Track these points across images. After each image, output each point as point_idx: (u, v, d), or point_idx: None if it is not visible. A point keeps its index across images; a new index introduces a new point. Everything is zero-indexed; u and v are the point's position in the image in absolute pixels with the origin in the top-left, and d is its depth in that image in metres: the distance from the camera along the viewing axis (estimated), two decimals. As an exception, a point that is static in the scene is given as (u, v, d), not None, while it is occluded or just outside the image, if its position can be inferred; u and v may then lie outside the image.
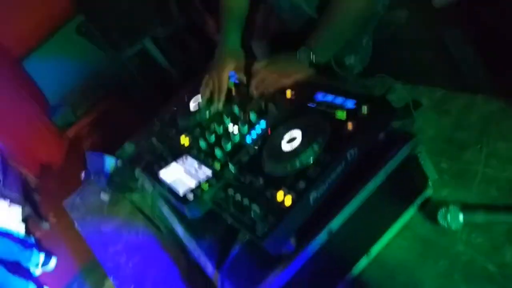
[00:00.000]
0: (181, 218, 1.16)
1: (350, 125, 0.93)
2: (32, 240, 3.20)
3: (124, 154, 1.90)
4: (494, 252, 0.86)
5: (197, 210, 1.04)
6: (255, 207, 0.91)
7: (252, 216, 0.90)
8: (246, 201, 0.94)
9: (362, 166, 0.92)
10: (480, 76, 1.54)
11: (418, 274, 0.90)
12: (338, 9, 1.22)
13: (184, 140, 1.27)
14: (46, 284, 3.04)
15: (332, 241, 0.91)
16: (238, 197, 0.96)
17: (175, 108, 1.45)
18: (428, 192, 1.00)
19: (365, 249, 0.96)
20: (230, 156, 1.10)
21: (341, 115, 0.98)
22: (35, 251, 3.04)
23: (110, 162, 1.73)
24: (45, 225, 3.40)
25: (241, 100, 1.26)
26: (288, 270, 0.88)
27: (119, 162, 1.65)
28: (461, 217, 0.89)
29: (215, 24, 2.93)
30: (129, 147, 1.95)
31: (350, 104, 0.99)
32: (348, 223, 0.91)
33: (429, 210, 0.98)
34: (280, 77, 1.19)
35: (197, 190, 1.05)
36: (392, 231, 0.98)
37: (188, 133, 1.29)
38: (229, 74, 1.31)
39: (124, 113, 3.72)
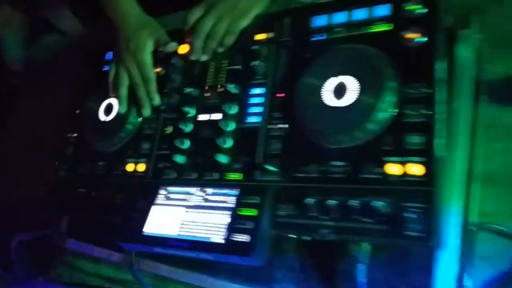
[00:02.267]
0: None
1: (413, 34, 0.67)
2: None
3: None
4: None
5: (265, 251, 0.69)
6: (377, 202, 0.62)
7: (379, 212, 0.61)
8: (352, 201, 0.63)
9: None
10: None
11: None
12: None
13: (135, 167, 0.86)
14: None
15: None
16: (329, 200, 0.65)
17: (74, 135, 0.97)
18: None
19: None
20: (241, 155, 0.76)
21: (383, 27, 0.71)
22: None
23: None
24: None
25: (188, 77, 0.87)
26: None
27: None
28: None
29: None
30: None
31: (384, 10, 0.72)
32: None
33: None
34: (235, 20, 0.82)
35: (244, 223, 0.70)
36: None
37: (131, 156, 0.87)
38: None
39: None
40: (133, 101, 0.89)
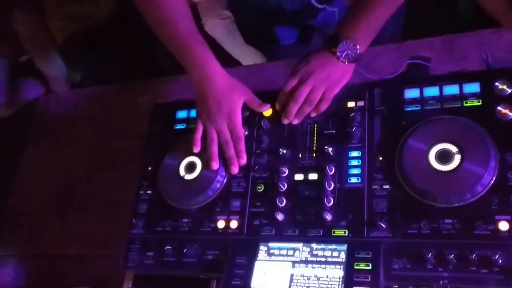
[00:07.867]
0: None
1: (504, 110, 0.79)
2: None
3: None
4: None
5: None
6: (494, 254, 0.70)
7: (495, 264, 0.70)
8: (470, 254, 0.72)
9: None
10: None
11: None
12: None
13: (227, 224, 0.89)
14: None
15: None
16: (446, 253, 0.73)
17: (148, 191, 0.98)
18: None
19: None
20: (346, 213, 0.82)
21: (472, 102, 0.82)
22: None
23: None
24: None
25: (277, 138, 0.93)
26: None
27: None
28: None
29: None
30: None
31: (473, 87, 0.83)
32: None
33: None
34: (329, 88, 0.91)
35: (360, 277, 0.75)
36: None
37: (220, 213, 0.90)
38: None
39: None
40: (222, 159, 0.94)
